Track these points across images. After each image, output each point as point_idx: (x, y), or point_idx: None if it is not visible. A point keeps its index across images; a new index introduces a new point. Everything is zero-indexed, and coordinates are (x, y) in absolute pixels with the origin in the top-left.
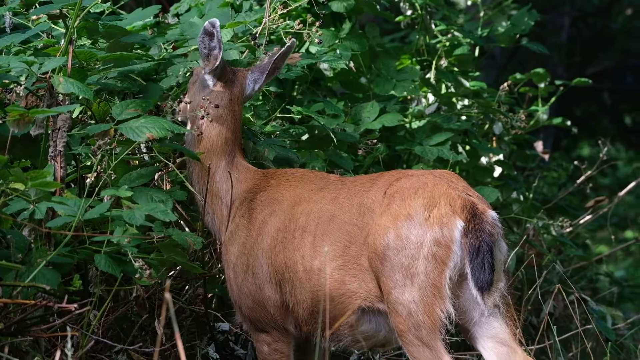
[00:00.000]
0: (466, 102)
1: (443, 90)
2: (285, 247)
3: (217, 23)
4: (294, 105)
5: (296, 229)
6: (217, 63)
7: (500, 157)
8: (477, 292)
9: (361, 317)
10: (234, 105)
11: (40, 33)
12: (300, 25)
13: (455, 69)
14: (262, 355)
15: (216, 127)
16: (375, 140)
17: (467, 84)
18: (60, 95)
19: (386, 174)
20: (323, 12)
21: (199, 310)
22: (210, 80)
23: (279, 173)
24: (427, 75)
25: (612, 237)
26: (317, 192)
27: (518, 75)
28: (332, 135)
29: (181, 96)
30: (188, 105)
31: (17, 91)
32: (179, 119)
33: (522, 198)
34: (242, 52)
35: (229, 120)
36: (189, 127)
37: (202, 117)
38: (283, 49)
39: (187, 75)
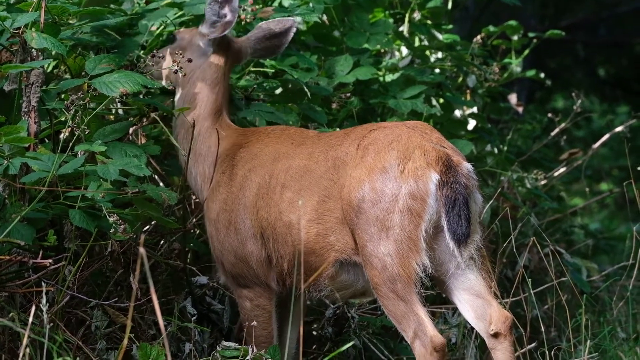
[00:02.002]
0: (439, 54)
1: (416, 43)
2: (267, 203)
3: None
4: (268, 59)
5: (276, 185)
6: (227, 31)
7: (474, 109)
8: (453, 245)
9: (339, 269)
10: (227, 71)
11: None
12: None
13: (429, 21)
14: (244, 311)
15: (210, 90)
16: (349, 94)
17: (440, 36)
18: (33, 50)
19: (360, 127)
20: None
21: (177, 265)
22: (209, 47)
23: (259, 130)
24: (400, 28)
25: (587, 189)
26: (295, 148)
27: (491, 28)
28: (306, 89)
29: (155, 51)
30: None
31: None
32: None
33: (496, 151)
34: None
35: (221, 84)
36: (179, 92)
37: (175, 72)
38: (284, 27)
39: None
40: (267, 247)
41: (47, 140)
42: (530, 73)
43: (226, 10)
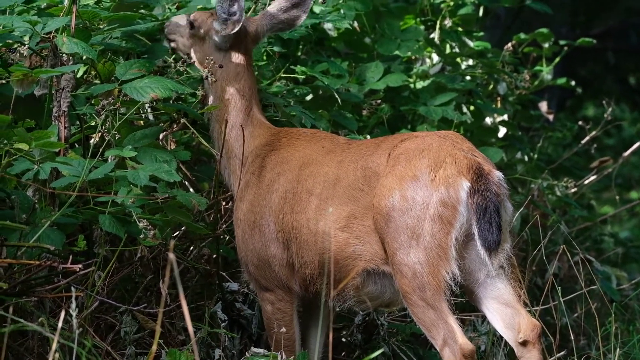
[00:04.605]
0: (470, 62)
1: (447, 51)
2: (293, 209)
3: None
4: (298, 66)
5: (303, 191)
6: (236, 29)
7: (505, 117)
8: (484, 253)
9: (366, 279)
10: (249, 60)
11: None
12: None
13: (460, 28)
14: (266, 315)
15: (234, 85)
16: (379, 101)
17: (471, 44)
18: (64, 55)
19: (391, 137)
20: None
21: (210, 270)
22: (225, 43)
23: (291, 132)
24: (431, 35)
25: (617, 197)
26: (325, 155)
27: (522, 35)
28: (337, 96)
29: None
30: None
31: (21, 51)
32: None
33: (526, 158)
34: None
35: (246, 76)
36: (211, 91)
37: (207, 77)
38: None
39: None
40: (290, 252)
41: (77, 145)
42: (561, 81)
43: (235, 8)
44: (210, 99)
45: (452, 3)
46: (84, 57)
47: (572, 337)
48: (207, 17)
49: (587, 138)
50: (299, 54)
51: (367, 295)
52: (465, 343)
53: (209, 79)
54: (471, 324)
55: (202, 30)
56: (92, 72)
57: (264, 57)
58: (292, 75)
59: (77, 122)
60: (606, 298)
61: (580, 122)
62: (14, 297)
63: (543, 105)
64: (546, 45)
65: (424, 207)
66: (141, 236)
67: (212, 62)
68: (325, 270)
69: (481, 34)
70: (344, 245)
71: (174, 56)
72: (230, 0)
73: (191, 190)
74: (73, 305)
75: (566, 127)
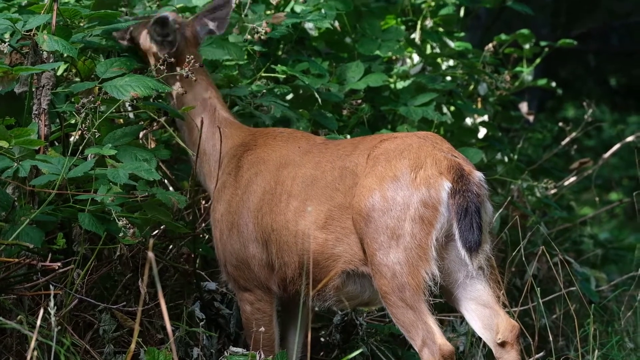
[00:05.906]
0: (451, 62)
1: (428, 51)
2: (272, 210)
3: (170, 18)
4: (279, 65)
5: (282, 192)
6: (174, 49)
7: (485, 118)
8: (465, 253)
9: (346, 280)
10: (199, 62)
11: None
12: None
13: (441, 29)
14: (245, 315)
15: (191, 89)
16: (359, 101)
17: (452, 44)
18: (44, 52)
19: (369, 137)
20: None
21: (188, 269)
22: (169, 57)
23: (267, 132)
24: (412, 36)
25: (597, 199)
26: (302, 156)
27: (503, 36)
28: (317, 95)
29: (166, 56)
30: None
31: (1, 48)
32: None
33: (506, 159)
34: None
35: (200, 78)
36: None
37: (187, 76)
38: None
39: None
40: (270, 252)
41: (57, 143)
42: (542, 82)
43: (167, 30)
44: (172, 103)
45: (433, 3)
46: (65, 55)
47: (550, 338)
48: (143, 31)
49: (567, 139)
50: (280, 53)
51: (347, 295)
52: (444, 344)
53: (190, 77)
54: (450, 324)
55: (142, 47)
56: (73, 70)
57: (245, 57)
58: (272, 75)
59: (57, 120)
60: (585, 299)
61: (560, 123)
62: None
63: (523, 106)
64: (527, 46)
65: (404, 207)
66: (120, 234)
67: (192, 59)
68: (308, 270)
69: (462, 34)
70: (323, 247)
71: None
72: (161, 25)
73: (171, 188)
74: (52, 303)
75: (546, 128)
